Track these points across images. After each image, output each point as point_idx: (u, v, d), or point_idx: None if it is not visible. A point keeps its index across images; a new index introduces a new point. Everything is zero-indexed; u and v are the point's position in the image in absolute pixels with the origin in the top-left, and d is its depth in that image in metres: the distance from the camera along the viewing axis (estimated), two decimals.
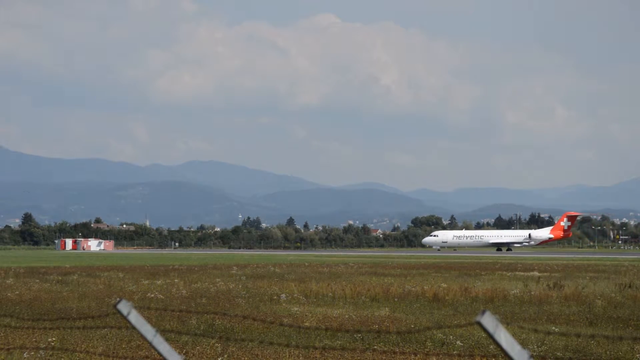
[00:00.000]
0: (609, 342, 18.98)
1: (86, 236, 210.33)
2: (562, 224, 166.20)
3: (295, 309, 27.20)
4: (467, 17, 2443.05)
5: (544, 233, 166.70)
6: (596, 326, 23.69)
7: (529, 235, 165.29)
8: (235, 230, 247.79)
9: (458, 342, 19.43)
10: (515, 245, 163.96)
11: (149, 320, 10.44)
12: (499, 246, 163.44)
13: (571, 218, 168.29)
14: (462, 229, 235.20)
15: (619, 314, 26.31)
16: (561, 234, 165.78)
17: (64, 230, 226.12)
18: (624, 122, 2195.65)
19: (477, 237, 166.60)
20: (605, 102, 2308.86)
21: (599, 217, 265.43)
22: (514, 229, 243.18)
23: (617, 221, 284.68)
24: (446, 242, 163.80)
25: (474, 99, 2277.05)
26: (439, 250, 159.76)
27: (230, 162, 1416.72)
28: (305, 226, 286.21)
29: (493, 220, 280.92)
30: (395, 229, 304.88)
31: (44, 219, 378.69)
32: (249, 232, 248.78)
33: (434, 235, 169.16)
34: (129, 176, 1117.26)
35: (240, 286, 37.24)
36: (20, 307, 27.71)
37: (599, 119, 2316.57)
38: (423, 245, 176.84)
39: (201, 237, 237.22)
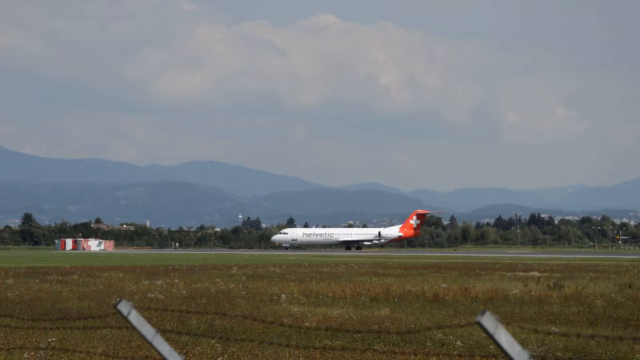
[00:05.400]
0: (609, 342, 18.98)
1: (86, 236, 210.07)
2: (411, 222, 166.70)
3: (296, 309, 27.18)
4: (467, 17, 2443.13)
5: (394, 231, 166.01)
6: (596, 326, 23.69)
7: (379, 233, 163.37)
8: (235, 231, 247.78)
9: (458, 342, 19.44)
10: (365, 243, 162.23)
11: (149, 320, 10.39)
12: (348, 244, 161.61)
13: (420, 216, 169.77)
14: (462, 229, 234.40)
15: (619, 314, 26.31)
16: (411, 232, 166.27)
17: (64, 231, 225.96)
18: (624, 122, 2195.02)
19: (327, 235, 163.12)
20: (605, 102, 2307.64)
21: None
22: (514, 229, 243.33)
23: (617, 221, 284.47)
24: (296, 239, 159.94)
25: (474, 99, 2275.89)
26: (287, 248, 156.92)
27: (230, 162, 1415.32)
28: (306, 226, 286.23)
29: (493, 220, 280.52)
30: None
31: (44, 219, 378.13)
32: (249, 232, 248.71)
33: (284, 233, 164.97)
34: (129, 176, 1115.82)
35: (240, 286, 37.24)
36: (20, 307, 27.71)
37: (599, 119, 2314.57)
38: (275, 245, 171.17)
39: (201, 237, 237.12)
